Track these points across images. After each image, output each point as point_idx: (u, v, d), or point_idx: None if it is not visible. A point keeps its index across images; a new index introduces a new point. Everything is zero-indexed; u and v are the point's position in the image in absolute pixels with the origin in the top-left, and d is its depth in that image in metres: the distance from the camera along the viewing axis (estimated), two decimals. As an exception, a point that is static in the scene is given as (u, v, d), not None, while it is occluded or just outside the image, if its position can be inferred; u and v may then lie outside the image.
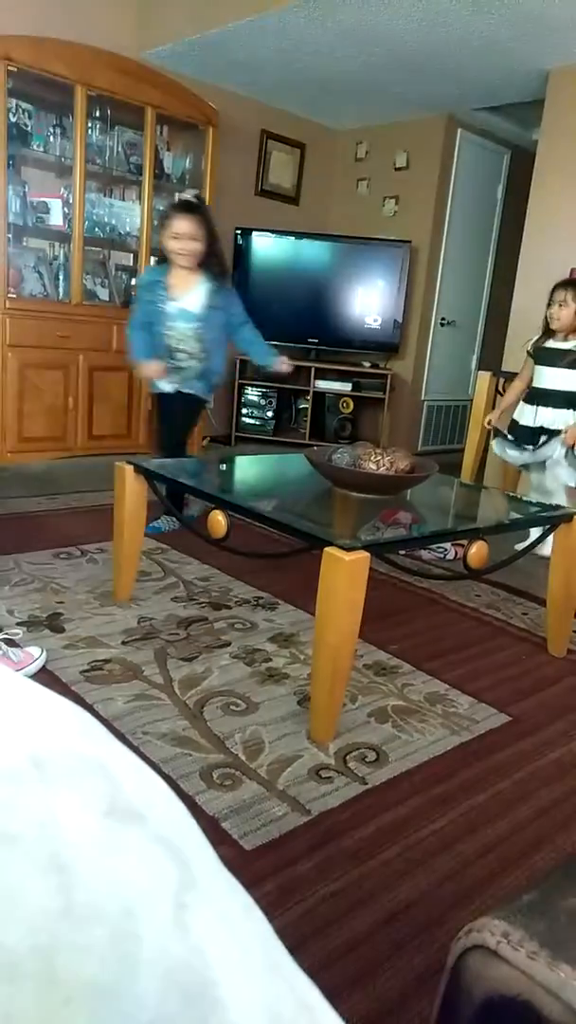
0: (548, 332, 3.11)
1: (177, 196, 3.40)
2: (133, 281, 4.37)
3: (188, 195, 2.98)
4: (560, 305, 3.01)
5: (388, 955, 1.09)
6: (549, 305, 3.09)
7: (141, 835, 0.34)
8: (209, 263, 2.86)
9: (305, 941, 1.09)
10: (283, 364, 3.07)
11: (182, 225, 2.76)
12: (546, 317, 3.12)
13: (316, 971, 1.05)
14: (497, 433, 3.36)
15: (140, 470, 2.14)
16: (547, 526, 2.14)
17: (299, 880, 1.21)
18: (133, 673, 1.84)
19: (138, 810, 0.37)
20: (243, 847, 1.28)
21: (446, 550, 2.96)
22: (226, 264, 3.05)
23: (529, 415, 3.14)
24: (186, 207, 2.84)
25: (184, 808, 0.40)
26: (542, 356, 3.11)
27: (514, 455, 3.22)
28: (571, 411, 3.05)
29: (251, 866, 1.23)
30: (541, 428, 3.09)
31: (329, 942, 1.10)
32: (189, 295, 2.84)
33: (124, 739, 1.55)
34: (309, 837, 1.32)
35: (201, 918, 0.31)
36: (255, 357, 3.11)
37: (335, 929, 1.12)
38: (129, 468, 2.14)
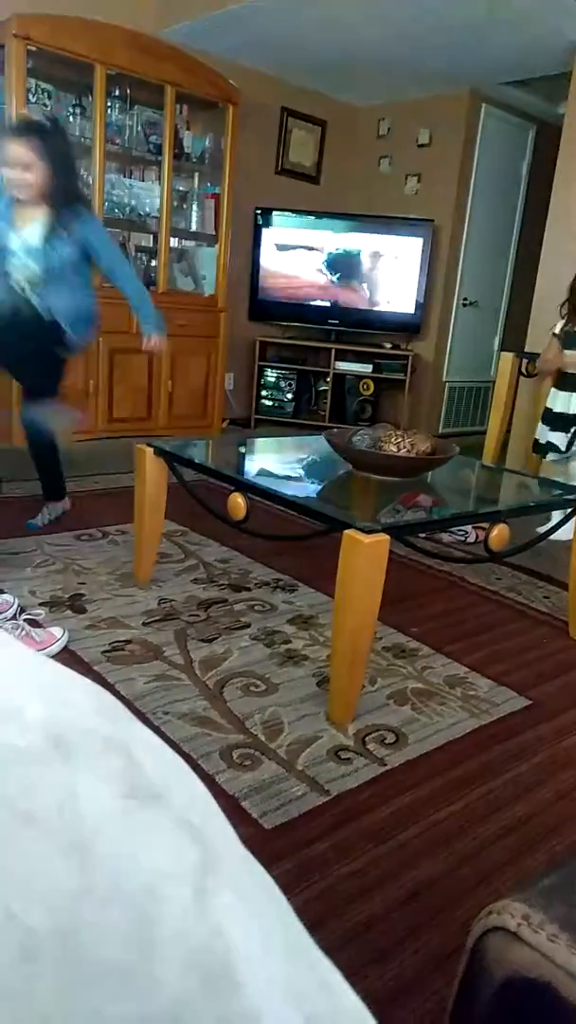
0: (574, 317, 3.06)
1: (12, 116, 3.02)
2: (153, 263, 4.36)
3: (33, 114, 2.54)
4: None
5: (406, 935, 1.09)
6: None
7: (162, 816, 0.35)
8: (53, 193, 2.46)
9: (323, 920, 1.10)
10: (153, 344, 2.75)
11: (13, 151, 2.38)
12: (573, 303, 3.06)
13: (334, 950, 1.05)
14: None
15: (160, 452, 2.14)
16: (569, 509, 2.11)
17: (317, 859, 1.22)
18: (154, 654, 1.85)
19: (159, 791, 0.37)
20: (263, 826, 1.29)
21: (467, 533, 2.94)
22: (77, 192, 2.62)
23: (564, 402, 3.10)
24: (20, 129, 2.51)
25: (205, 789, 0.40)
26: (574, 341, 3.06)
27: (554, 457, 3.18)
28: None
29: (270, 845, 1.24)
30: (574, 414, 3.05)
31: (347, 921, 1.11)
32: (29, 228, 2.51)
33: (145, 719, 1.57)
34: (328, 817, 1.33)
35: (221, 901, 0.31)
36: (136, 318, 2.82)
37: (353, 908, 1.13)
38: (149, 450, 2.14)
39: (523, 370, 3.95)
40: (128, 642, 1.90)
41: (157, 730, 1.53)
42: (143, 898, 0.31)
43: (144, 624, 2.01)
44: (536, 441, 3.26)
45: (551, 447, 3.14)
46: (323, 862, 1.22)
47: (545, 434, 3.18)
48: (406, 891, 1.18)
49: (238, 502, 1.85)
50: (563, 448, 3.11)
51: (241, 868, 0.36)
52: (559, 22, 3.70)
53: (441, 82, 4.81)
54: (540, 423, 3.23)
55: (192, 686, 1.72)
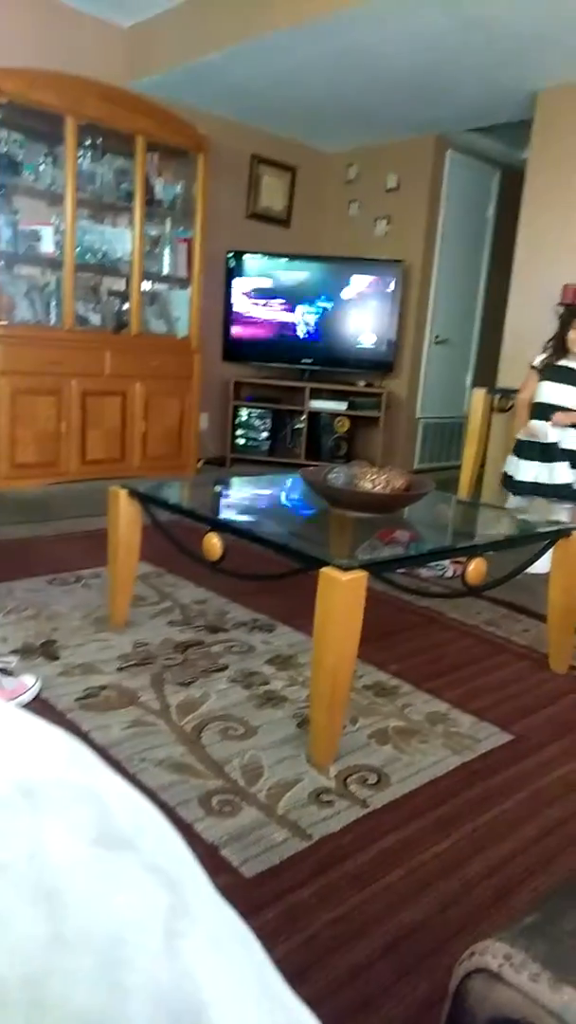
0: (560, 351, 3.15)
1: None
2: (126, 306, 4.40)
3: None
4: None
5: (392, 982, 1.06)
6: (569, 328, 3.12)
7: (132, 862, 0.34)
8: None
9: (307, 969, 1.07)
10: None
11: None
12: (561, 337, 3.14)
13: (319, 1000, 1.02)
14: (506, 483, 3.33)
15: (134, 493, 2.14)
16: (546, 542, 2.13)
17: (300, 907, 1.19)
18: (129, 699, 1.82)
19: (129, 838, 0.36)
20: (243, 874, 1.25)
21: (445, 567, 2.95)
22: None
23: (542, 432, 3.16)
24: None
25: (177, 835, 0.39)
26: (554, 374, 3.14)
27: (519, 501, 3.23)
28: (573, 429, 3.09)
29: (251, 894, 1.21)
30: (554, 444, 3.12)
31: (332, 970, 1.07)
32: None
33: (120, 767, 1.53)
34: (310, 863, 1.30)
35: (192, 944, 0.30)
36: None
37: (337, 956, 1.10)
38: (123, 492, 2.13)
39: (495, 406, 4.02)
40: (103, 688, 1.87)
41: (132, 778, 1.50)
42: (112, 944, 0.30)
43: (119, 669, 1.98)
44: (506, 476, 3.30)
45: (521, 486, 3.19)
46: (306, 909, 1.19)
47: (519, 469, 3.23)
48: (391, 936, 1.15)
49: (214, 542, 1.84)
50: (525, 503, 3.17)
51: (213, 913, 0.35)
52: (520, 73, 3.86)
53: (407, 129, 4.97)
54: (515, 457, 3.28)
55: (169, 731, 1.69)
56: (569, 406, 3.11)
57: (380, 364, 5.34)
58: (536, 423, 3.18)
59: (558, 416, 3.09)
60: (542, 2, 3.06)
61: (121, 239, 4.37)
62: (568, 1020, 0.41)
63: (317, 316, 5.28)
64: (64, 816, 0.39)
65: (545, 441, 3.15)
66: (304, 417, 5.30)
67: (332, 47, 3.67)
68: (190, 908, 0.32)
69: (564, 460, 3.12)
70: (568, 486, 3.12)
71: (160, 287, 4.74)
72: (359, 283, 5.24)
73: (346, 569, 1.52)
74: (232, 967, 0.31)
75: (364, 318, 5.26)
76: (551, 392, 3.14)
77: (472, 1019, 0.46)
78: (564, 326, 3.15)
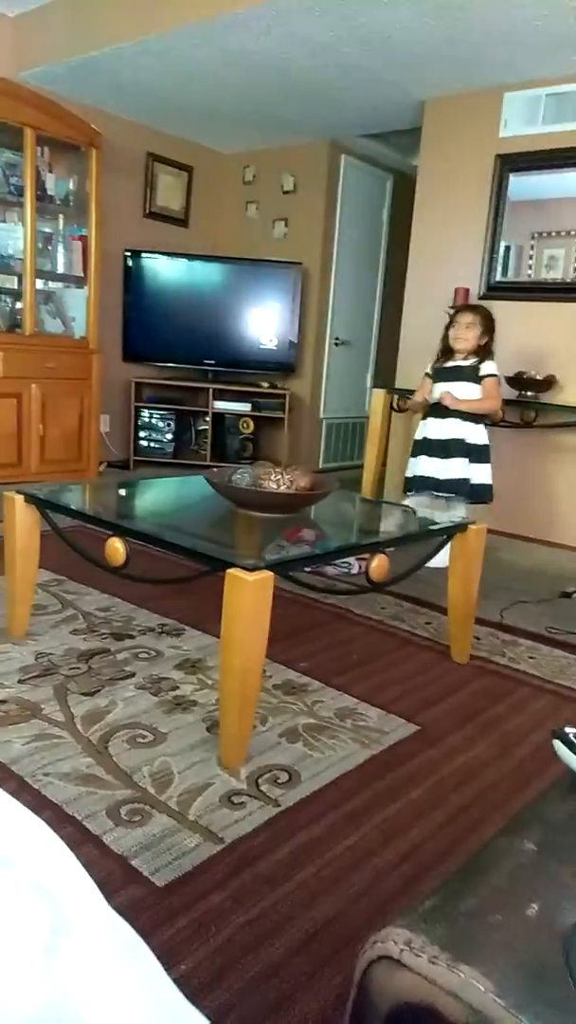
0: (447, 353, 3.25)
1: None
2: (19, 305, 4.25)
3: None
4: (468, 327, 3.16)
5: (307, 978, 1.07)
6: (453, 327, 3.22)
7: (9, 881, 0.32)
8: None
9: (223, 974, 1.06)
10: None
11: None
12: (447, 338, 3.24)
13: (235, 1003, 1.02)
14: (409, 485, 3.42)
15: (31, 499, 2.06)
16: (444, 537, 2.20)
17: (214, 912, 1.18)
18: (31, 712, 1.76)
19: (9, 856, 0.35)
20: (155, 884, 1.23)
21: (350, 565, 3.00)
22: None
23: (435, 429, 3.25)
24: None
25: (64, 848, 0.38)
26: (444, 375, 3.24)
27: (420, 500, 3.32)
28: (472, 423, 3.20)
29: (164, 903, 1.19)
30: (448, 440, 3.21)
31: (247, 972, 1.07)
32: None
33: (23, 783, 1.47)
34: (223, 866, 1.29)
35: (72, 960, 0.29)
36: None
37: (252, 958, 1.10)
38: (19, 497, 2.06)
39: (394, 405, 4.12)
40: (3, 702, 1.79)
41: (36, 794, 1.44)
42: None
43: (20, 681, 1.91)
44: (407, 478, 3.39)
45: (421, 482, 3.28)
46: (219, 914, 1.18)
47: (417, 467, 3.33)
48: (305, 933, 1.16)
49: (116, 547, 1.80)
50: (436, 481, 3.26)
51: (99, 927, 0.34)
52: (408, 82, 3.97)
53: (302, 132, 5.02)
54: (412, 458, 3.38)
55: (74, 743, 1.64)
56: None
57: (283, 365, 5.37)
58: (425, 421, 3.29)
59: (447, 398, 3.15)
60: (423, 17, 3.16)
61: (12, 235, 4.21)
62: (465, 998, 0.43)
63: (218, 317, 5.26)
64: None
65: (420, 438, 3.26)
66: (208, 418, 5.27)
67: (219, 50, 3.67)
68: (73, 924, 0.31)
69: (459, 456, 3.23)
70: (464, 481, 3.22)
71: (55, 286, 4.60)
72: (259, 285, 5.25)
73: (252, 570, 1.51)
74: (117, 981, 0.30)
75: (265, 320, 5.28)
76: (439, 391, 3.24)
77: (375, 1008, 0.46)
78: (451, 325, 3.26)
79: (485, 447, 3.26)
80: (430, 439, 3.29)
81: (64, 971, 0.29)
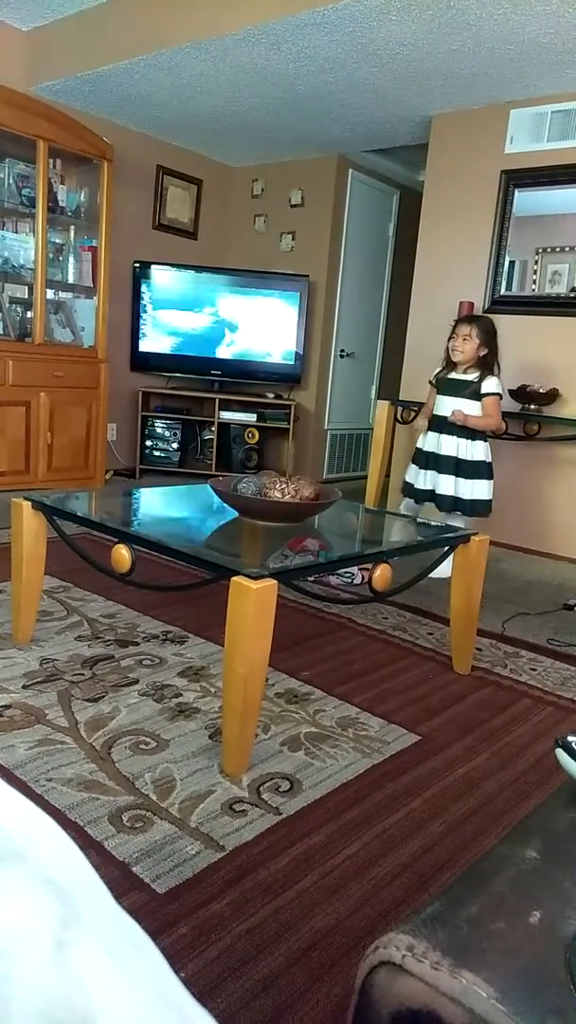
0: (450, 364, 3.26)
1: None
2: (29, 314, 4.28)
3: None
4: (464, 339, 3.17)
5: (307, 987, 1.07)
6: (452, 338, 3.24)
7: (21, 875, 0.33)
8: None
9: (222, 982, 1.06)
10: None
11: None
12: (448, 349, 3.26)
13: (235, 1012, 1.02)
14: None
15: (38, 506, 2.08)
16: (446, 547, 2.21)
17: (214, 919, 1.18)
18: (36, 718, 1.76)
19: (18, 850, 0.35)
20: (156, 890, 1.23)
21: (353, 575, 3.00)
22: None
23: (432, 442, 3.27)
24: None
25: (72, 845, 0.39)
26: (445, 386, 3.25)
27: (410, 504, 3.35)
28: (467, 439, 3.20)
29: (164, 909, 1.19)
30: (441, 455, 3.23)
31: (246, 980, 1.07)
32: None
33: (26, 788, 1.48)
34: (223, 874, 1.29)
35: (82, 954, 0.29)
36: None
37: (252, 967, 1.10)
38: (26, 504, 2.07)
39: (399, 417, 4.14)
40: (7, 707, 1.80)
41: (39, 799, 1.45)
42: None
43: (24, 687, 1.92)
44: (406, 482, 3.41)
45: (416, 491, 3.30)
46: (219, 922, 1.18)
47: (416, 477, 3.34)
48: (305, 942, 1.16)
49: (122, 554, 1.82)
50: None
51: (107, 922, 0.34)
52: (416, 99, 4.00)
53: (310, 147, 5.07)
54: (412, 465, 3.40)
55: (77, 749, 1.65)
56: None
57: (288, 376, 5.39)
58: (427, 433, 3.31)
59: (458, 416, 3.17)
60: (431, 34, 3.20)
61: (24, 246, 4.25)
62: (467, 1004, 0.43)
63: (225, 329, 5.29)
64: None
65: (421, 447, 3.28)
66: (214, 428, 5.29)
67: (228, 65, 3.71)
68: (82, 918, 0.32)
69: (448, 473, 3.22)
70: (450, 498, 3.22)
71: (65, 296, 4.63)
72: (266, 297, 5.29)
73: (256, 578, 1.52)
74: (126, 976, 0.31)
75: (272, 331, 5.31)
76: (442, 405, 3.25)
77: (377, 1013, 0.47)
78: (451, 337, 3.27)
79: (484, 463, 3.25)
80: (424, 451, 3.30)
81: (75, 965, 0.29)
